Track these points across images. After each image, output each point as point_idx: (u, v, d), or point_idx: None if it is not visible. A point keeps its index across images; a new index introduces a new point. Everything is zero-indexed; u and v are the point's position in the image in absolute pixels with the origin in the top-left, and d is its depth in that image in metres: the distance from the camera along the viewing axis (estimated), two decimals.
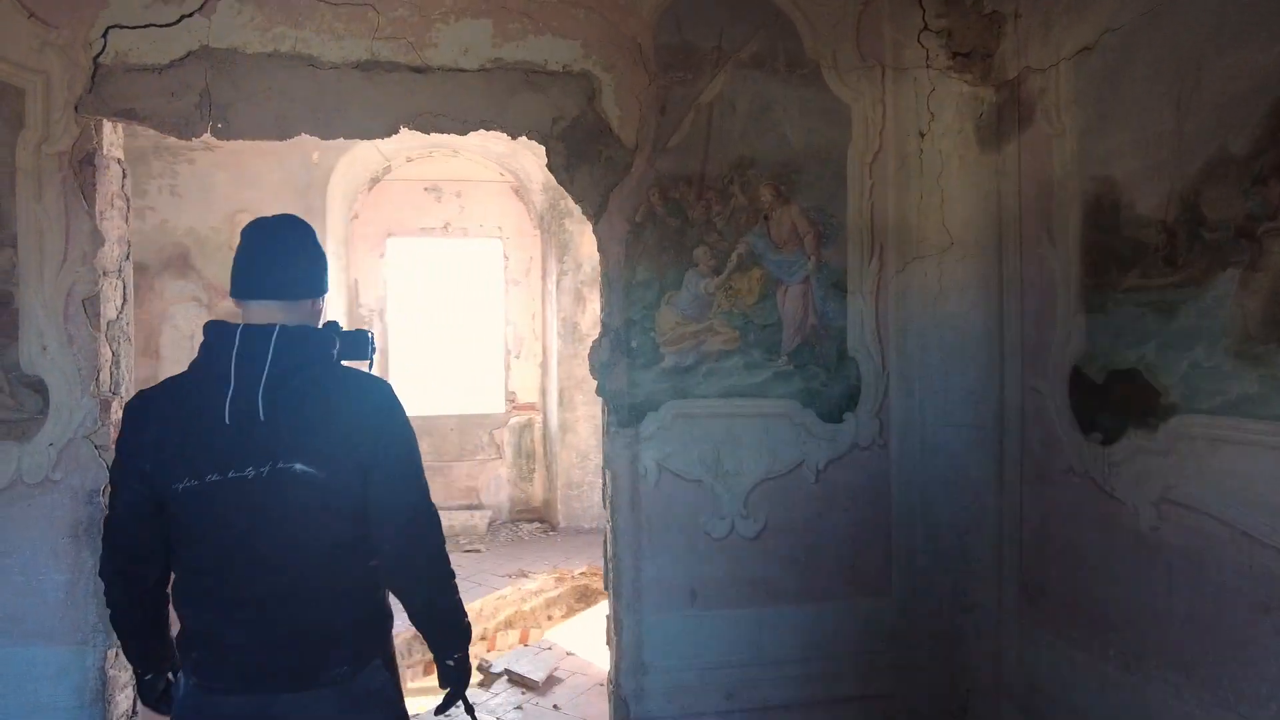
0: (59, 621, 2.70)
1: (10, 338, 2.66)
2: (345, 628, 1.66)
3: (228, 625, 1.61)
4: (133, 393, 2.49)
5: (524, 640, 5.56)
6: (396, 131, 2.90)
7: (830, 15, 3.14)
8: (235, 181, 6.45)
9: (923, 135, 3.23)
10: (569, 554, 6.76)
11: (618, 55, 3.01)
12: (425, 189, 7.87)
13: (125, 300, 2.91)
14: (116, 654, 2.78)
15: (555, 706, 4.30)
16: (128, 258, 2.95)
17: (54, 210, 2.68)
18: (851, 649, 3.22)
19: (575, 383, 7.42)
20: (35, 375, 2.67)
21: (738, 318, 3.12)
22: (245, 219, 1.89)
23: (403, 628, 2.54)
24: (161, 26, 2.71)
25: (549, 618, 6.11)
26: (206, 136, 2.80)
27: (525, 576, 6.33)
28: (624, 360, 3.06)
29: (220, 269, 6.39)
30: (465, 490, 7.91)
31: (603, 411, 3.13)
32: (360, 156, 6.97)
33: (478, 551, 6.99)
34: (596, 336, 3.11)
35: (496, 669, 4.69)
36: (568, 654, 4.97)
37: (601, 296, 3.11)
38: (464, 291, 9.14)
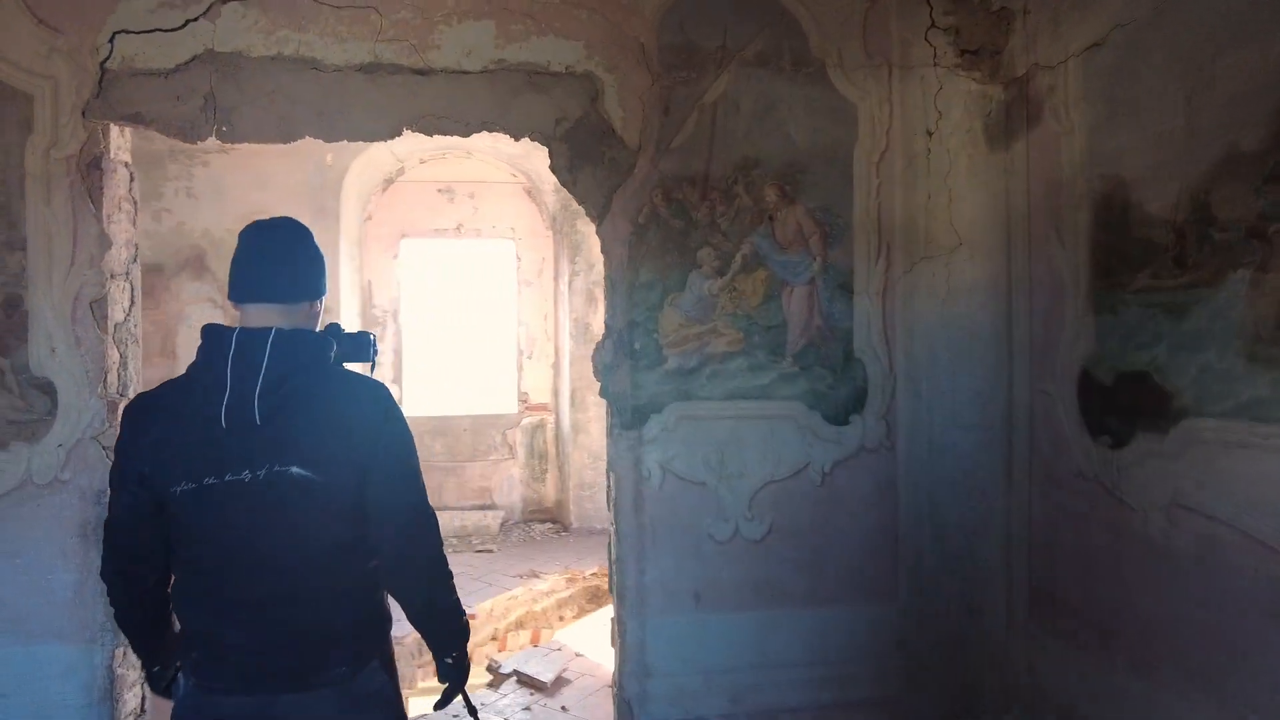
0: (68, 620, 2.73)
1: (20, 340, 2.70)
2: (344, 629, 1.66)
3: (227, 626, 1.62)
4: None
5: (535, 641, 5.57)
6: (399, 134, 2.90)
7: (836, 13, 3.11)
8: (250, 184, 6.50)
9: (930, 134, 3.19)
10: (581, 555, 6.76)
11: (620, 56, 3.00)
12: (439, 190, 7.90)
13: (133, 302, 2.94)
14: (124, 653, 2.81)
15: (563, 708, 4.30)
16: (135, 260, 2.97)
17: (62, 214, 2.71)
18: (858, 653, 3.19)
19: (587, 383, 7.41)
20: (44, 377, 2.71)
21: (742, 319, 3.10)
22: None
23: (407, 630, 2.55)
24: (167, 31, 2.74)
25: (560, 618, 6.12)
26: (212, 140, 2.82)
27: (537, 577, 6.33)
28: (627, 362, 3.05)
29: None
30: (478, 490, 7.93)
31: (607, 413, 3.12)
32: (374, 158, 7.01)
33: (490, 551, 7.00)
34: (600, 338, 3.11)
35: (506, 670, 4.69)
36: (577, 655, 4.97)
37: (605, 298, 3.10)
38: (477, 292, 9.17)
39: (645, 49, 3.02)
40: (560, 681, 4.58)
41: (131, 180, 2.95)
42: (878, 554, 3.21)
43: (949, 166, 3.20)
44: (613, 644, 3.23)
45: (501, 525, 7.70)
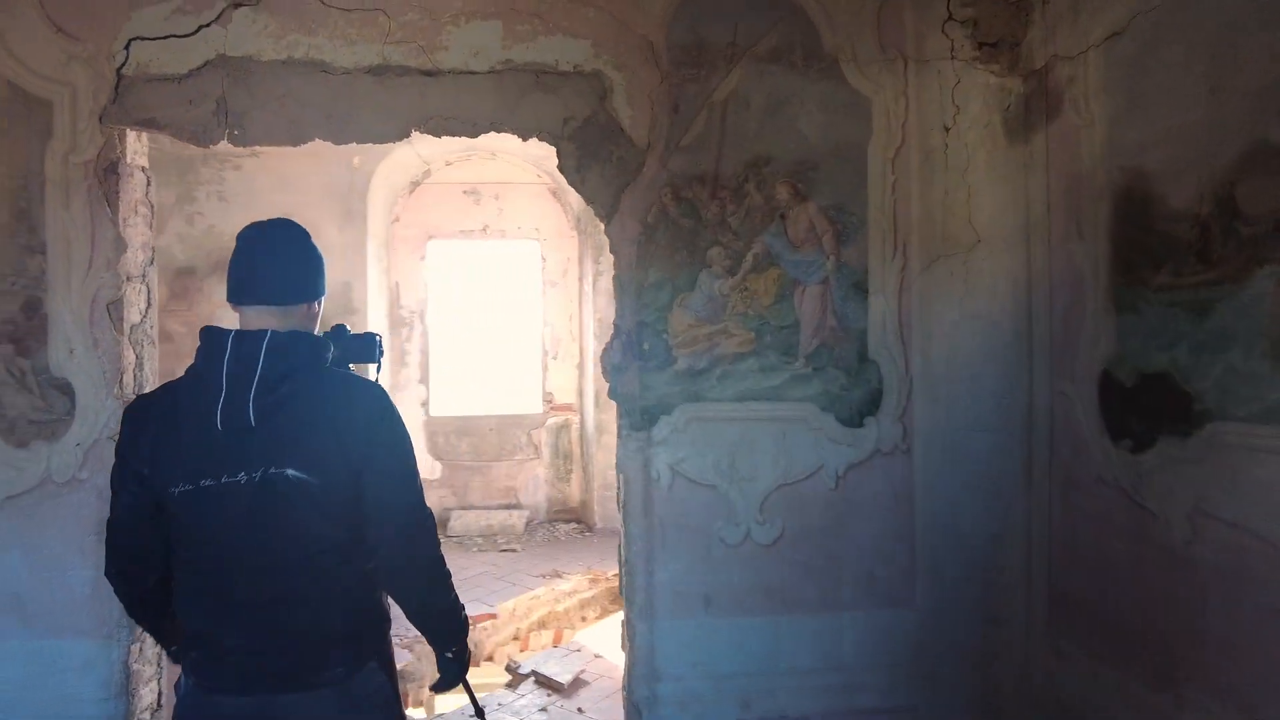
0: (85, 616, 2.79)
1: (40, 342, 2.76)
2: (343, 629, 1.66)
3: (226, 626, 1.63)
4: None
5: (557, 641, 5.57)
6: (408, 135, 2.91)
7: (849, 6, 3.05)
8: (279, 187, 6.60)
9: (948, 129, 3.11)
10: (604, 555, 6.74)
11: (629, 54, 2.98)
12: (464, 191, 7.96)
13: (149, 305, 2.99)
14: (140, 649, 2.87)
15: (580, 710, 4.29)
16: (152, 263, 3.03)
17: (80, 218, 2.77)
18: (873, 660, 3.12)
19: None
20: (63, 378, 2.77)
21: (753, 319, 3.05)
22: None
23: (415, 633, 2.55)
24: (181, 37, 2.78)
25: (583, 619, 6.11)
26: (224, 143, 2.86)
27: (559, 577, 6.34)
28: (636, 363, 3.02)
29: None
30: (504, 490, 7.97)
31: (617, 414, 3.09)
32: (400, 161, 7.08)
33: (514, 551, 7.03)
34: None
35: (524, 670, 4.70)
36: (596, 656, 4.96)
37: (614, 298, 3.08)
38: (502, 293, 9.21)
39: (654, 47, 2.99)
40: (578, 683, 4.57)
41: (148, 184, 3.00)
42: (893, 559, 3.13)
43: (967, 162, 3.11)
44: (622, 647, 3.21)
45: (526, 525, 7.73)
